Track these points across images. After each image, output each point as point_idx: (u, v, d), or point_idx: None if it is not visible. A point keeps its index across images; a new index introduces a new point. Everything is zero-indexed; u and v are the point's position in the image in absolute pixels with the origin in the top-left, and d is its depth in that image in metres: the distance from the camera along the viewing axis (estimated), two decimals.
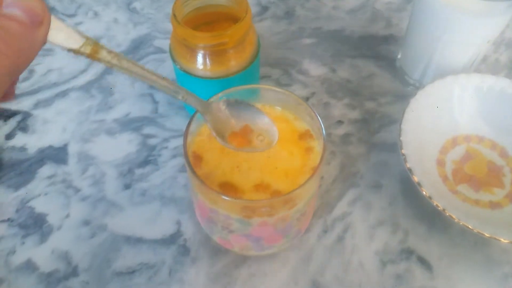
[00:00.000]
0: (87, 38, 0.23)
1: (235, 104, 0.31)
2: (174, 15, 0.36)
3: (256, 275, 0.36)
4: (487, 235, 0.33)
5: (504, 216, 0.38)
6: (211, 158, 0.32)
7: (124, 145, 0.43)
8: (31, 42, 0.21)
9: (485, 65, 0.51)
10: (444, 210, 0.34)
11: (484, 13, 0.38)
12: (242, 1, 0.38)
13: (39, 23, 0.21)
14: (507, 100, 0.42)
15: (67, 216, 0.39)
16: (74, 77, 0.49)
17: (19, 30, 0.20)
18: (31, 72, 0.49)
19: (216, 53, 0.37)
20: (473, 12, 0.38)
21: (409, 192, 0.40)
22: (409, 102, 0.41)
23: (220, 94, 0.32)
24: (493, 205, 0.39)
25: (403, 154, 0.37)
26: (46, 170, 0.42)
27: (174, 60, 0.39)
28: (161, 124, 0.45)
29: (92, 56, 0.24)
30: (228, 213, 0.29)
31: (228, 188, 0.31)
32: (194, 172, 0.28)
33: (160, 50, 0.52)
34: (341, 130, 0.45)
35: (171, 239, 0.38)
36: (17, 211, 0.39)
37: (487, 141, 0.43)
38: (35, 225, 0.38)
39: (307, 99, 0.48)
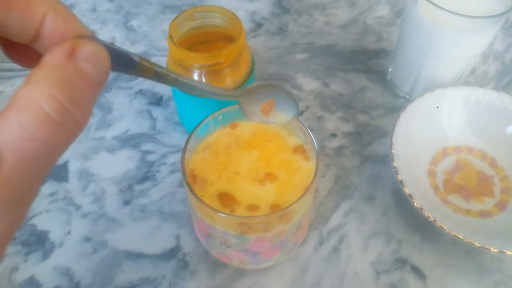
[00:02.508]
0: (139, 57, 0.21)
1: (267, 86, 0.33)
2: (170, 37, 0.37)
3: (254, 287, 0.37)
4: (477, 244, 0.34)
5: (494, 225, 0.39)
6: (208, 175, 0.33)
7: (123, 162, 0.44)
8: (93, 102, 0.19)
9: (473, 77, 0.52)
10: (435, 221, 0.35)
11: (470, 30, 0.40)
12: (236, 22, 0.39)
13: (103, 84, 0.19)
14: (494, 111, 0.43)
15: (69, 233, 0.40)
16: None
17: (90, 92, 0.18)
18: None
19: (212, 72, 0.38)
20: (460, 28, 0.40)
21: (402, 203, 0.42)
22: (399, 115, 0.42)
23: (216, 113, 0.33)
24: (484, 214, 0.40)
25: (395, 167, 0.38)
26: (47, 187, 0.43)
27: None
28: (159, 140, 0.46)
29: (146, 75, 0.22)
30: (225, 229, 0.30)
31: (225, 200, 0.32)
32: (192, 190, 0.29)
33: None
34: (335, 143, 0.46)
35: (171, 254, 0.38)
36: (19, 228, 0.40)
37: (476, 151, 0.44)
38: (37, 242, 0.39)
39: (301, 113, 0.49)
